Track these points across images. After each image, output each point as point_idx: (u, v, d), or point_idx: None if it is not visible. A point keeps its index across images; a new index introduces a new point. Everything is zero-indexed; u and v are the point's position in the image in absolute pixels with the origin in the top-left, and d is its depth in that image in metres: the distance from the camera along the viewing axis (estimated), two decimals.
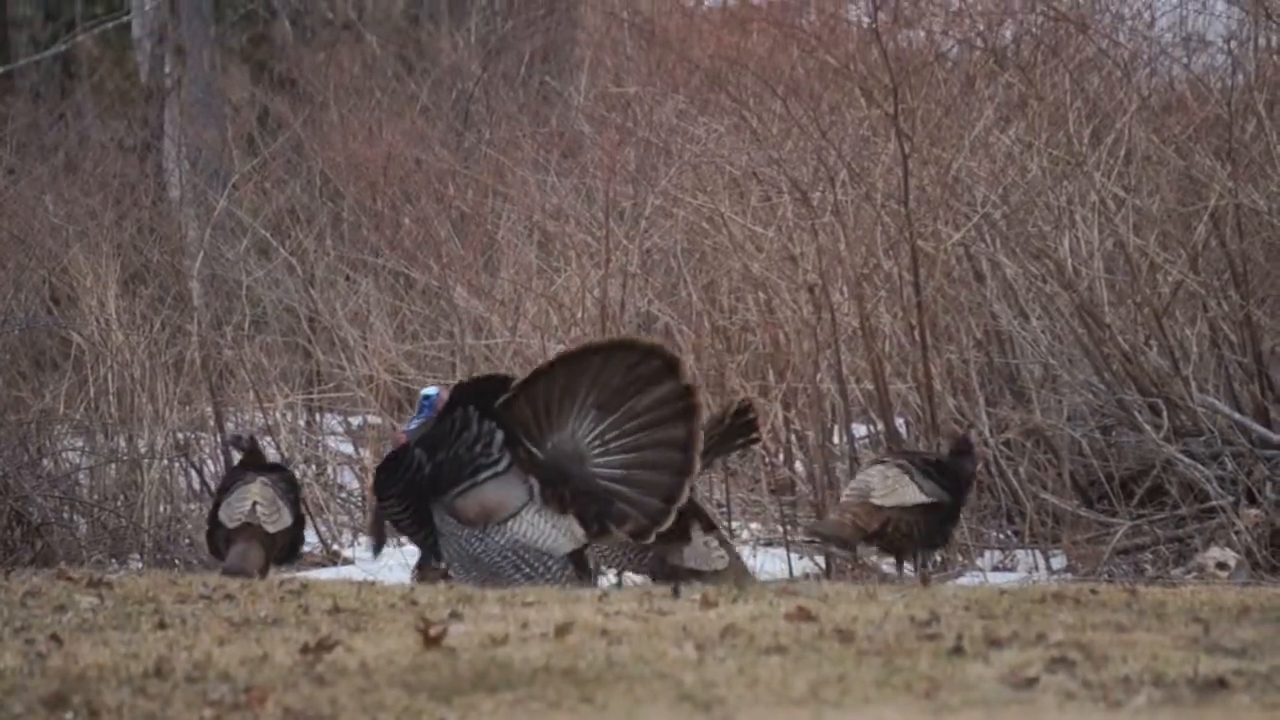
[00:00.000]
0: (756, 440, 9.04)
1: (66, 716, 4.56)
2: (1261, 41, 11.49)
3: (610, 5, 15.83)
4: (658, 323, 12.31)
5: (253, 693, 4.65)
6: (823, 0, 13.41)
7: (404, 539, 11.83)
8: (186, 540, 11.58)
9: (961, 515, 9.59)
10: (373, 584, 7.68)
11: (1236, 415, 10.34)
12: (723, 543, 8.60)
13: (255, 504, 9.15)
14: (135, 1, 20.44)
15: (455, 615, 5.92)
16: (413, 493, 7.85)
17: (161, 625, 5.82)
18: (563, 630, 5.49)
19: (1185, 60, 11.99)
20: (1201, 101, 11.31)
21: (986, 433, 10.74)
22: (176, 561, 11.33)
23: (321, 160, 14.94)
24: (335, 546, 11.81)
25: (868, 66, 11.20)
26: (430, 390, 8.17)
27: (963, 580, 9.73)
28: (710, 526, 8.65)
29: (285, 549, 9.29)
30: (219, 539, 9.26)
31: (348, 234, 14.73)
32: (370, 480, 8.36)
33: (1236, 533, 9.77)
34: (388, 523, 8.15)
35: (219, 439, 12.40)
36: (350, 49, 18.10)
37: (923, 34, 12.24)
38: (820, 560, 10.48)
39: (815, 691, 4.68)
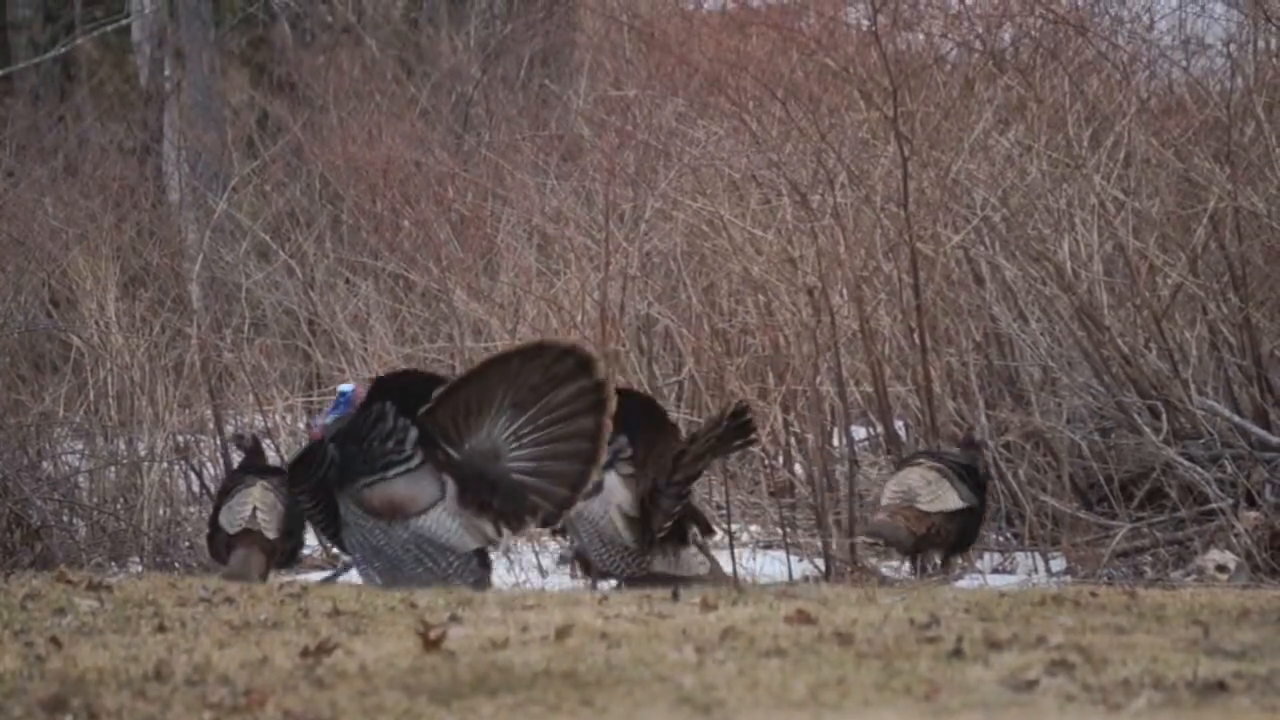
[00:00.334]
0: (754, 443, 9.06)
1: (66, 719, 4.57)
2: (1260, 44, 11.49)
3: (609, 8, 15.83)
4: (657, 325, 12.32)
5: (252, 695, 4.65)
6: (822, 3, 13.40)
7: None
8: (186, 543, 11.58)
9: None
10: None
11: (1236, 418, 10.34)
12: (701, 549, 8.61)
13: (256, 509, 9.15)
14: (135, 4, 20.44)
15: (455, 618, 5.92)
16: (325, 487, 7.91)
17: (161, 628, 5.82)
18: (562, 633, 5.48)
19: (1184, 63, 12.00)
20: (1201, 104, 11.32)
21: (986, 435, 10.74)
22: (176, 564, 11.33)
23: (321, 163, 14.94)
24: (335, 550, 11.81)
25: (867, 69, 11.20)
26: (346, 386, 8.25)
27: (962, 583, 9.73)
28: (708, 530, 8.66)
29: (286, 554, 9.29)
30: (220, 543, 9.26)
31: (347, 237, 14.73)
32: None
33: (1236, 535, 9.77)
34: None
35: (219, 442, 12.41)
36: (350, 52, 18.10)
37: (922, 37, 12.24)
38: (819, 563, 10.48)
39: (815, 694, 4.68)
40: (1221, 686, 4.71)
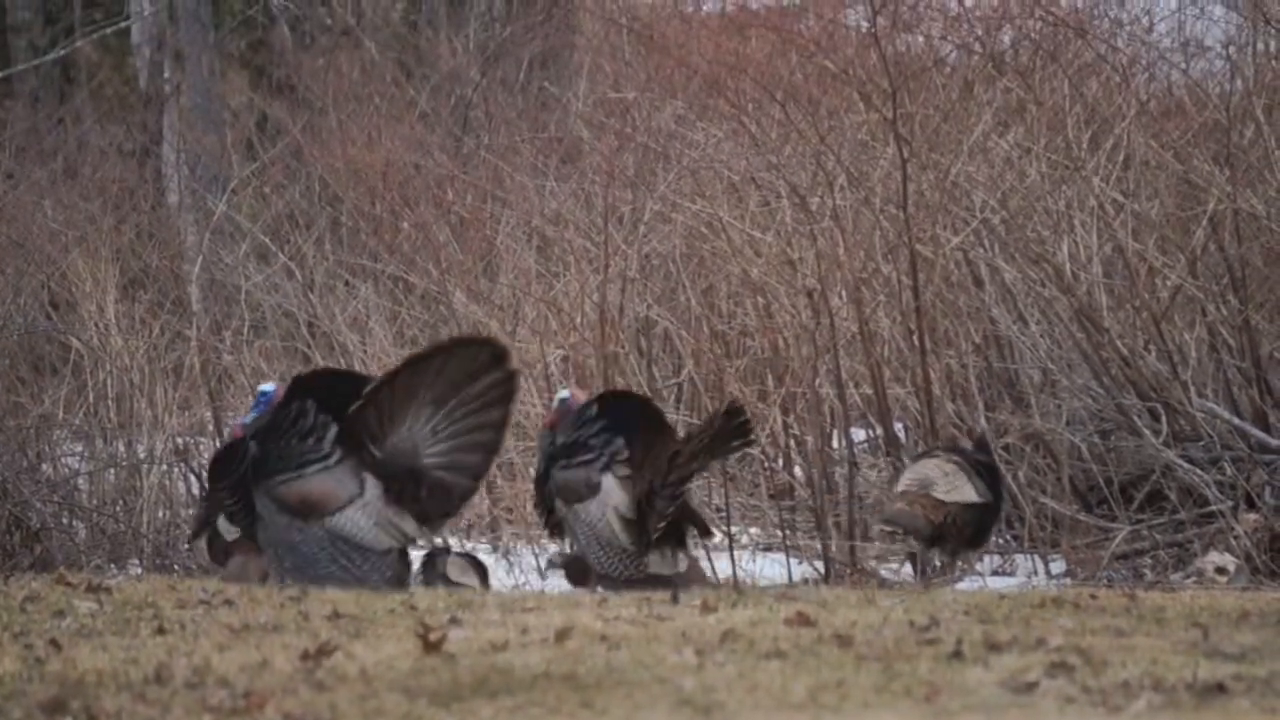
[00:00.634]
0: (752, 444, 9.07)
1: None
2: (1260, 47, 11.50)
3: (609, 11, 15.84)
4: (657, 327, 12.32)
5: (252, 698, 4.64)
6: (821, 5, 13.41)
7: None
8: (185, 545, 11.58)
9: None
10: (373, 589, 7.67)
11: (1235, 420, 10.34)
12: (683, 547, 8.62)
13: None
14: (134, 7, 20.44)
15: (455, 621, 5.91)
16: (244, 483, 7.94)
17: (161, 631, 5.82)
18: (562, 636, 5.48)
19: (1184, 65, 12.01)
20: (1200, 106, 11.32)
21: (986, 437, 10.73)
22: (176, 567, 11.32)
23: (320, 165, 14.95)
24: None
25: (866, 71, 11.20)
26: (268, 386, 8.29)
27: (962, 585, 9.72)
28: (706, 533, 8.66)
29: None
30: (218, 549, 9.26)
31: (347, 239, 14.74)
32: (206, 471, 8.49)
33: (1235, 537, 9.77)
34: (220, 513, 8.26)
35: (218, 444, 12.40)
36: (349, 54, 18.10)
37: (921, 39, 12.25)
38: (819, 565, 10.48)
39: (814, 696, 4.68)
40: (1221, 689, 4.71)
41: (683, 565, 8.51)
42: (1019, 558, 10.64)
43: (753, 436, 8.77)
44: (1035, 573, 10.38)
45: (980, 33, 11.84)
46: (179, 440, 12.42)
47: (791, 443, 11.62)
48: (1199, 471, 10.19)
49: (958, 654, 5.16)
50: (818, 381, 11.01)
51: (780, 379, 11.51)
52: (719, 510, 10.97)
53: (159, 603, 6.46)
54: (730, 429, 8.36)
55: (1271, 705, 4.57)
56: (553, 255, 13.06)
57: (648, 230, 12.22)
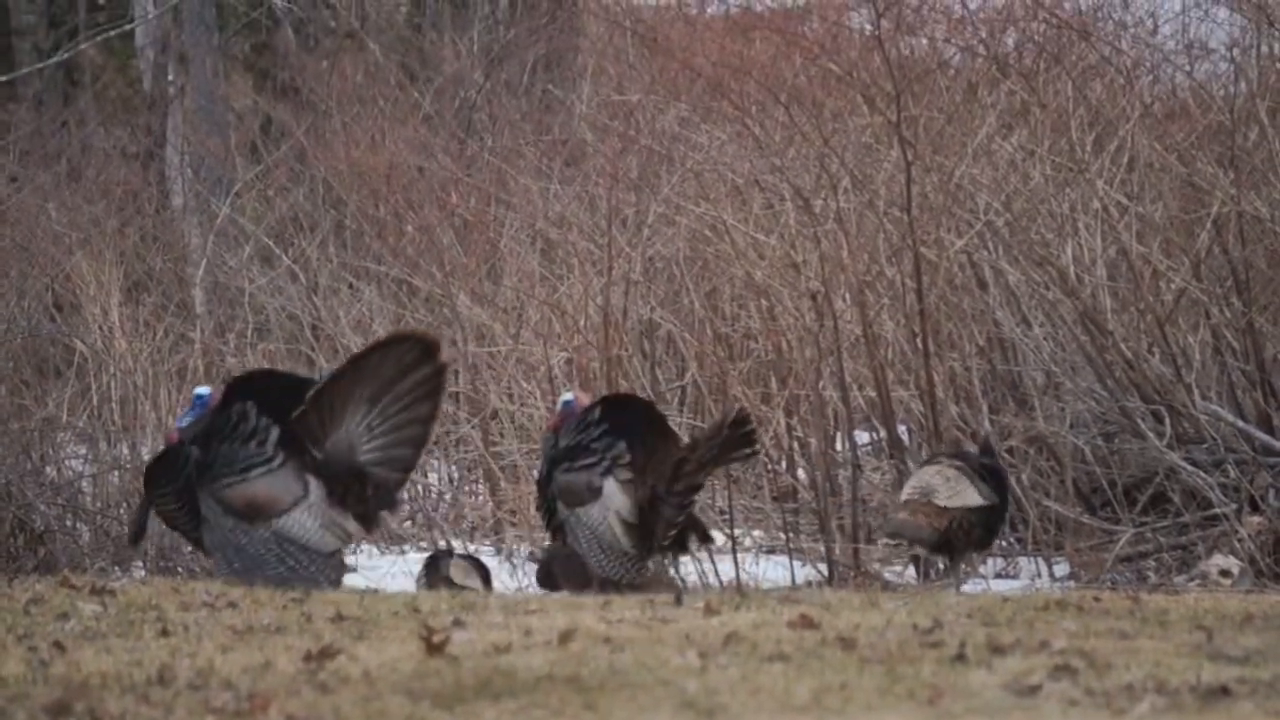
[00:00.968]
0: (756, 453, 9.09)
1: None
2: (1264, 49, 11.49)
3: (613, 13, 15.84)
4: (660, 330, 12.32)
5: (255, 700, 4.65)
6: (825, 8, 13.41)
7: (408, 548, 11.89)
8: (189, 548, 11.58)
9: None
10: (375, 592, 7.68)
11: (1239, 422, 10.34)
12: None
13: None
14: (138, 10, 20.45)
15: (458, 623, 5.92)
16: (188, 489, 7.93)
17: (164, 633, 5.82)
18: (566, 638, 5.48)
19: (1188, 68, 12.00)
20: (1204, 109, 11.31)
21: (989, 440, 10.73)
22: (179, 569, 11.32)
23: (324, 168, 14.96)
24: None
25: (870, 74, 11.20)
26: (203, 389, 8.28)
27: (965, 588, 9.72)
28: (706, 538, 8.66)
29: None
30: None
31: (350, 241, 14.75)
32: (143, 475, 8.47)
33: (1239, 540, 9.76)
34: (153, 516, 8.27)
35: None
36: (353, 57, 18.11)
37: (925, 41, 12.25)
38: (822, 568, 10.47)
39: (818, 699, 4.68)
40: (1225, 691, 4.71)
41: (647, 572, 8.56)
42: (1022, 560, 10.63)
43: (758, 446, 8.79)
44: (1039, 575, 10.38)
45: (984, 35, 11.83)
46: None
47: (795, 445, 11.62)
48: (1203, 474, 10.18)
49: (961, 657, 5.16)
50: (821, 384, 11.01)
51: (784, 381, 11.51)
52: (722, 513, 10.96)
53: (162, 605, 6.47)
54: (737, 438, 8.37)
55: (1275, 708, 4.57)
56: (556, 258, 13.06)
57: (651, 233, 12.23)
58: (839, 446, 11.33)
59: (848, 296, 11.09)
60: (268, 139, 17.37)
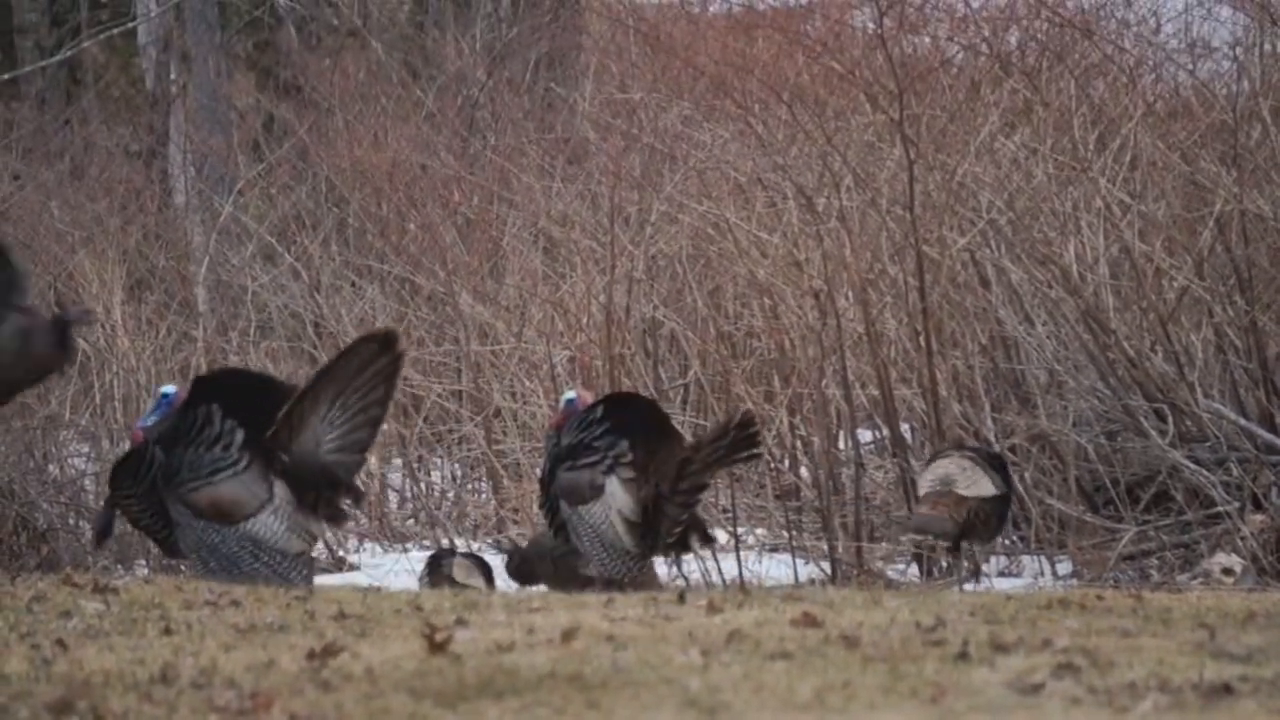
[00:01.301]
0: (758, 456, 9.11)
1: None
2: (1267, 47, 11.48)
3: (615, 11, 15.84)
4: (663, 328, 12.32)
5: (258, 698, 4.64)
6: (828, 6, 13.41)
7: (410, 546, 11.90)
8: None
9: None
10: (378, 590, 7.67)
11: (1242, 421, 10.34)
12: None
13: None
14: (141, 8, 20.46)
15: (461, 621, 5.91)
16: (153, 491, 7.94)
17: (167, 631, 5.82)
18: (568, 636, 5.48)
19: (1190, 66, 11.99)
20: (1207, 107, 11.31)
21: (992, 438, 10.73)
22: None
23: (327, 166, 14.96)
24: (341, 553, 11.82)
25: (873, 72, 11.20)
26: (168, 388, 8.26)
27: (968, 586, 9.72)
28: (707, 538, 8.66)
29: None
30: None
31: (353, 240, 14.75)
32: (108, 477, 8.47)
33: (1242, 538, 9.76)
34: (118, 517, 8.26)
35: None
36: (355, 55, 18.10)
37: (928, 40, 12.24)
38: (825, 566, 10.48)
39: (820, 697, 4.67)
40: (1227, 689, 4.71)
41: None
42: (1025, 559, 10.63)
43: (761, 449, 8.80)
44: (1042, 574, 10.38)
45: (987, 34, 11.83)
46: None
47: (798, 443, 11.62)
48: (1205, 472, 10.18)
49: (964, 655, 5.15)
50: (824, 382, 11.01)
51: (787, 380, 11.51)
52: (725, 511, 10.97)
53: (165, 603, 6.47)
54: (741, 440, 8.37)
55: (1278, 706, 4.56)
56: (559, 256, 13.06)
57: (654, 231, 12.23)
58: (842, 445, 11.33)
59: (850, 295, 11.09)
60: (270, 137, 17.37)
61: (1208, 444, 10.38)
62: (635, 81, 13.87)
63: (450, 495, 13.13)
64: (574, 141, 14.58)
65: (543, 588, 8.81)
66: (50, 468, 12.36)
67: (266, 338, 13.86)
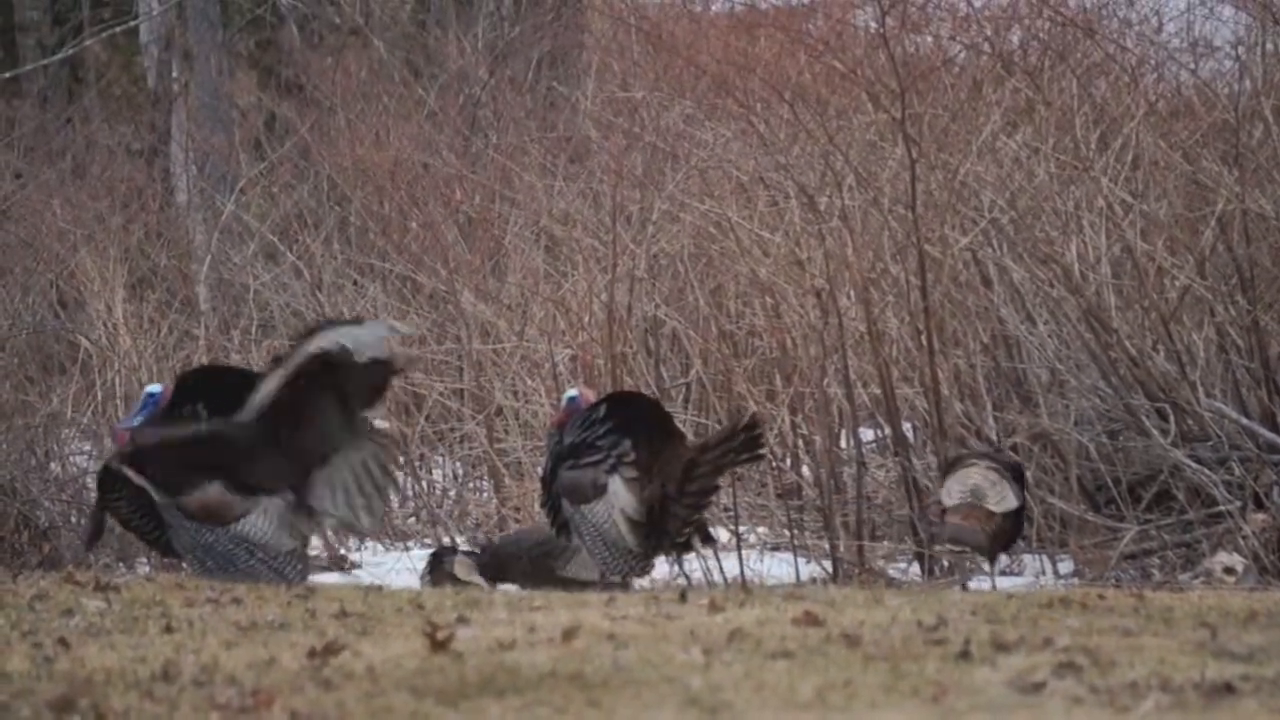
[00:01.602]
0: (761, 458, 9.12)
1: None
2: (1269, 47, 11.47)
3: (617, 10, 15.83)
4: (665, 327, 12.32)
5: (260, 696, 4.65)
6: (830, 5, 13.41)
7: (412, 545, 11.90)
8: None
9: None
10: (380, 588, 7.67)
11: (1244, 420, 10.33)
12: None
13: None
14: (143, 6, 20.46)
15: (462, 620, 5.92)
16: (143, 493, 7.94)
17: (169, 629, 5.83)
18: (569, 635, 5.48)
19: (1192, 65, 11.98)
20: (1209, 107, 11.31)
21: (994, 437, 10.73)
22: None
23: (329, 165, 14.96)
24: (342, 551, 11.82)
25: (875, 72, 11.19)
26: (154, 387, 8.25)
27: (970, 585, 9.72)
28: (707, 539, 8.67)
29: None
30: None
31: (355, 238, 14.76)
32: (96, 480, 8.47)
33: (1244, 537, 9.76)
34: (108, 519, 8.27)
35: None
36: (357, 54, 18.10)
37: (930, 39, 12.24)
38: (827, 565, 10.48)
39: (822, 696, 4.68)
40: (1229, 689, 4.71)
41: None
42: (1027, 558, 10.63)
43: (765, 450, 8.82)
44: (1043, 573, 10.38)
45: (989, 33, 11.82)
46: None
47: (800, 442, 11.62)
48: (1207, 471, 10.17)
49: (965, 654, 5.16)
50: (826, 381, 11.01)
51: (788, 379, 11.51)
52: (727, 509, 10.96)
53: (167, 601, 6.47)
54: (747, 441, 8.37)
55: (1279, 705, 4.56)
56: (561, 255, 13.06)
57: (656, 230, 12.22)
58: (844, 444, 11.33)
59: (852, 294, 11.09)
60: (272, 136, 17.38)
61: (1209, 443, 10.38)
62: (637, 80, 13.87)
63: (452, 494, 13.13)
64: (576, 140, 14.58)
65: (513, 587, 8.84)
66: (52, 466, 12.36)
67: (268, 336, 13.86)
